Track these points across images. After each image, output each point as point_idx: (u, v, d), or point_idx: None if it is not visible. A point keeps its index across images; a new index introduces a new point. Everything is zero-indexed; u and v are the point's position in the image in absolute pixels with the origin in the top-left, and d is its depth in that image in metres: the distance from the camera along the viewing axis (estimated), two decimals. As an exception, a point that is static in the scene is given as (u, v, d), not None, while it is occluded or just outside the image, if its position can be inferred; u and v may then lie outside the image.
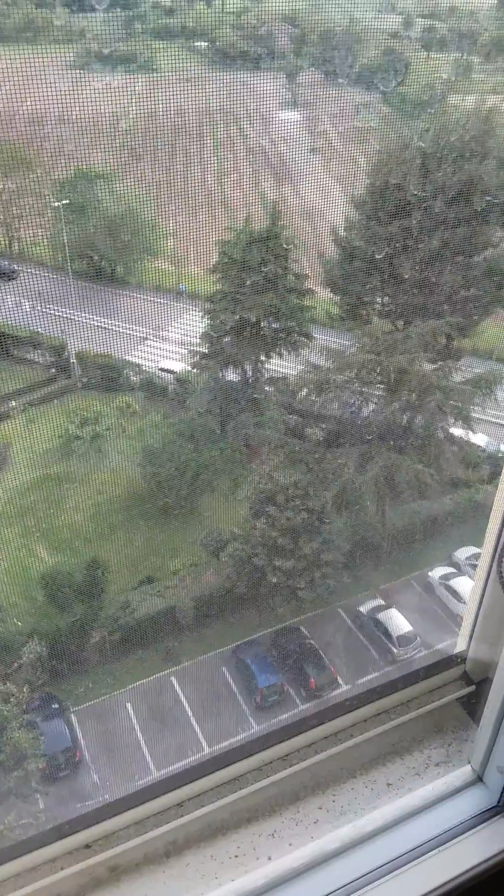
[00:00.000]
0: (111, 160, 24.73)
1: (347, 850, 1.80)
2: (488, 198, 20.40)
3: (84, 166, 23.96)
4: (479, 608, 2.11)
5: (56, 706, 17.37)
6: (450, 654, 2.16)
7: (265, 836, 1.86)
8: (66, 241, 24.50)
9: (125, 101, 24.77)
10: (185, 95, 23.23)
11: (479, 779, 1.94)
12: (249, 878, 1.74)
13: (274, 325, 22.27)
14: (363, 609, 20.15)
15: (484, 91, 25.45)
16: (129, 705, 17.97)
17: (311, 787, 1.97)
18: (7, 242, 26.22)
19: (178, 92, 23.01)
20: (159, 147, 24.15)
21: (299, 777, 1.95)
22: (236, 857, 1.81)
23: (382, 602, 20.34)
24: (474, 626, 2.12)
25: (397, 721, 2.05)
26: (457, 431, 21.49)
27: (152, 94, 24.44)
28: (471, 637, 2.14)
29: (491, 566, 2.06)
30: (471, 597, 2.18)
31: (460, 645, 2.19)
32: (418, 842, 1.80)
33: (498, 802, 1.87)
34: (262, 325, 21.97)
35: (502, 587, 1.98)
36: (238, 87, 26.45)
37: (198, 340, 22.87)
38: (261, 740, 1.93)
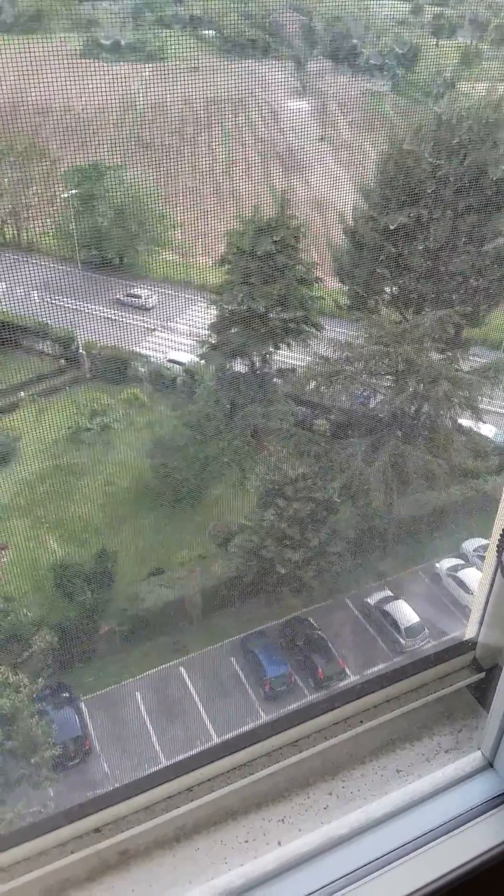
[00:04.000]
0: (119, 150, 24.66)
1: (357, 836, 1.80)
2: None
3: (92, 156, 23.91)
4: (489, 595, 2.10)
5: (66, 695, 17.51)
6: (460, 641, 2.16)
7: (275, 822, 1.86)
8: (74, 231, 24.49)
9: (133, 90, 24.66)
10: (193, 84, 23.11)
11: (489, 765, 1.94)
12: (259, 862, 1.75)
13: (283, 316, 22.20)
14: (371, 600, 20.17)
15: (494, 78, 25.20)
16: (138, 694, 18.09)
17: (320, 773, 1.97)
18: (16, 233, 26.24)
19: (186, 81, 22.89)
20: (167, 136, 24.07)
21: (309, 763, 1.95)
22: (246, 842, 1.82)
23: (390, 593, 20.36)
24: (484, 613, 2.12)
25: (407, 707, 2.05)
26: (465, 422, 21.43)
27: (160, 84, 24.31)
28: (480, 624, 2.13)
29: (500, 554, 2.05)
30: (480, 584, 2.18)
31: (470, 632, 2.18)
32: (428, 828, 1.80)
33: (508, 789, 1.87)
34: (270, 315, 21.92)
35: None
36: (246, 76, 26.27)
37: (206, 332, 22.84)
38: (270, 726, 1.93)
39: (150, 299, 24.62)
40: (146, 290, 24.68)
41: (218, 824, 1.86)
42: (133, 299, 24.66)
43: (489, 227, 21.01)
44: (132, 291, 24.67)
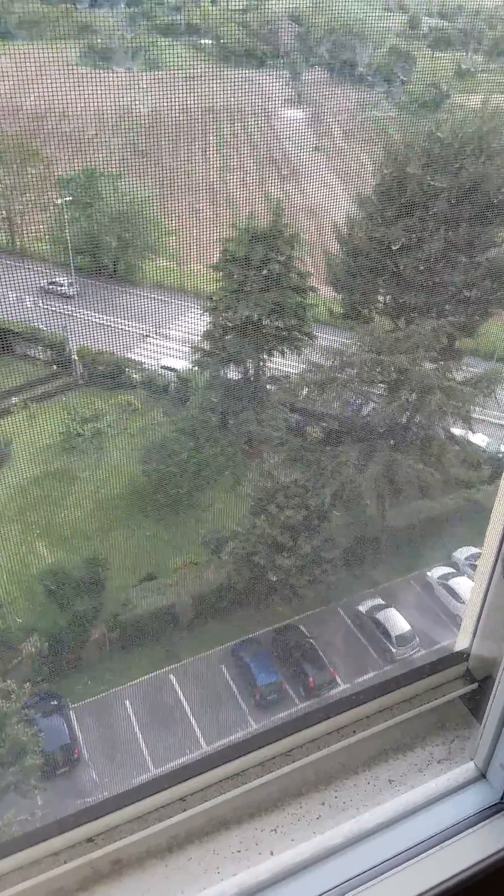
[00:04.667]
0: (115, 157, 24.72)
1: (350, 846, 1.80)
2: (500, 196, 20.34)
3: (88, 163, 23.95)
4: (482, 606, 2.11)
5: (55, 702, 17.40)
6: (453, 652, 2.16)
7: (267, 831, 1.86)
8: (68, 237, 24.50)
9: (129, 97, 24.74)
10: (190, 93, 23.22)
11: (482, 776, 1.94)
12: (252, 872, 1.75)
13: (276, 323, 22.27)
14: (362, 608, 20.17)
15: (490, 90, 25.42)
16: (127, 702, 17.99)
17: (313, 783, 1.97)
18: (10, 238, 26.22)
19: (183, 89, 22.99)
20: (163, 144, 24.14)
21: (302, 773, 1.95)
22: (239, 851, 1.82)
23: (382, 601, 20.36)
24: (477, 623, 2.13)
25: (400, 718, 2.05)
26: (457, 431, 21.51)
27: (157, 91, 24.41)
28: (474, 635, 2.14)
29: (494, 564, 2.06)
30: (473, 595, 2.19)
31: (463, 643, 2.19)
32: (420, 838, 1.80)
33: (501, 799, 1.88)
34: (264, 323, 21.98)
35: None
36: (242, 85, 26.43)
37: (200, 338, 22.87)
38: (263, 735, 1.93)
39: (71, 287, 24.81)
40: (67, 279, 24.89)
41: (210, 834, 1.86)
42: (55, 286, 24.88)
43: (482, 237, 21.17)
44: (55, 280, 24.88)
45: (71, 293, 24.93)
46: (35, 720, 15.91)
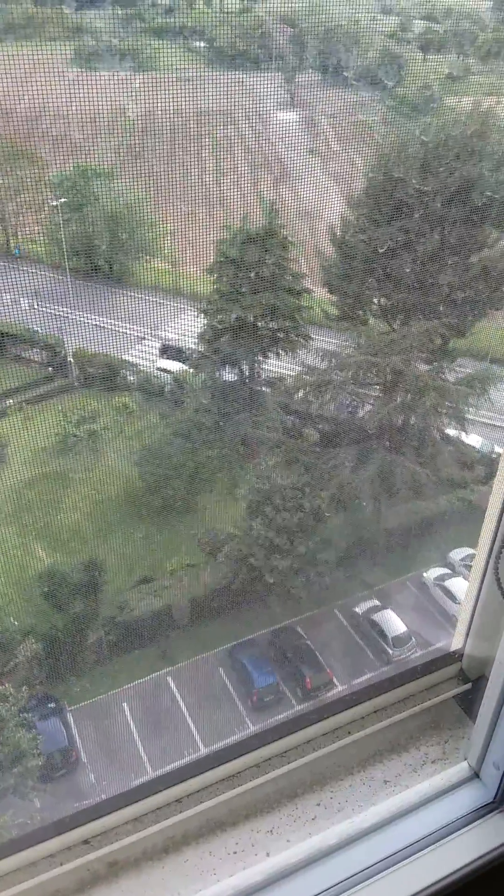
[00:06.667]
0: (109, 159, 24.71)
1: (345, 847, 1.82)
2: (488, 194, 20.37)
3: (82, 164, 23.94)
4: (475, 607, 2.12)
5: (53, 705, 17.36)
6: (446, 652, 2.18)
7: (263, 833, 1.87)
8: (63, 238, 24.48)
9: (123, 99, 24.75)
10: (184, 95, 23.22)
11: (475, 775, 1.96)
12: (248, 873, 1.76)
13: (271, 325, 22.29)
14: (359, 610, 20.19)
15: (481, 92, 25.50)
16: (125, 705, 17.97)
17: (308, 784, 1.98)
18: (4, 240, 26.20)
19: (177, 91, 23.00)
20: (157, 146, 24.16)
21: (297, 774, 1.96)
22: (235, 853, 1.83)
23: (378, 603, 20.38)
24: (470, 624, 2.14)
25: (394, 718, 2.07)
26: (451, 432, 21.55)
27: (150, 94, 24.42)
28: (467, 635, 2.15)
29: (487, 565, 2.07)
30: (467, 595, 2.20)
31: (456, 643, 2.20)
32: (415, 838, 1.82)
33: (494, 798, 1.89)
34: (259, 324, 21.99)
35: (498, 586, 2.00)
36: (236, 88, 26.44)
37: (195, 340, 22.88)
38: (259, 737, 1.94)
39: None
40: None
41: (207, 835, 1.86)
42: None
43: (474, 239, 21.24)
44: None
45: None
46: (33, 723, 15.88)
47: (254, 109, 27.31)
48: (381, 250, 21.02)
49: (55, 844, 1.76)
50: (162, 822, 1.82)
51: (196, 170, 26.53)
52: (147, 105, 23.98)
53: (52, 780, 15.88)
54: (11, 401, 22.73)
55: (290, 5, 27.14)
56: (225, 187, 27.17)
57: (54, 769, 16.06)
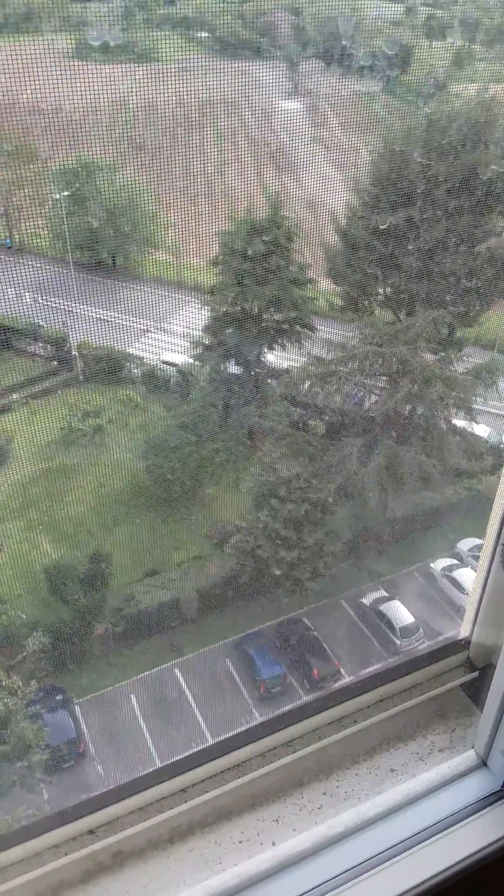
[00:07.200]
0: (111, 150, 24.61)
1: (351, 835, 1.80)
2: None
3: (84, 157, 23.85)
4: (482, 595, 2.10)
5: (60, 697, 17.45)
6: (453, 640, 2.16)
7: (269, 822, 1.86)
8: (66, 231, 24.44)
9: (125, 90, 24.63)
10: (186, 85, 23.08)
11: (482, 763, 1.94)
12: (253, 862, 1.75)
13: (276, 316, 22.21)
14: (366, 600, 20.19)
15: (486, 80, 25.26)
16: (133, 696, 18.05)
17: (314, 773, 1.97)
18: (7, 233, 26.17)
19: (179, 82, 22.86)
20: (159, 137, 24.04)
21: (303, 763, 1.95)
22: (240, 842, 1.82)
23: (385, 593, 20.38)
24: (478, 612, 2.12)
25: (401, 707, 2.05)
26: (459, 422, 21.48)
27: (152, 84, 24.28)
28: (474, 623, 2.13)
29: (494, 553, 2.05)
30: (474, 583, 2.18)
31: (463, 631, 2.18)
32: (422, 826, 1.80)
33: (501, 787, 1.88)
34: (263, 316, 21.92)
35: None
36: (239, 77, 26.27)
37: (200, 333, 22.84)
38: (264, 726, 1.93)
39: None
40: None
41: (212, 825, 1.86)
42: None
43: (481, 227, 21.09)
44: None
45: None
46: (40, 715, 15.97)
47: (257, 99, 27.15)
48: (385, 240, 20.91)
49: (60, 834, 1.75)
50: (167, 811, 1.81)
51: (199, 161, 26.41)
52: (149, 96, 23.85)
53: (60, 772, 15.98)
54: (16, 395, 22.76)
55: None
56: (228, 178, 27.05)
57: (62, 761, 16.16)
